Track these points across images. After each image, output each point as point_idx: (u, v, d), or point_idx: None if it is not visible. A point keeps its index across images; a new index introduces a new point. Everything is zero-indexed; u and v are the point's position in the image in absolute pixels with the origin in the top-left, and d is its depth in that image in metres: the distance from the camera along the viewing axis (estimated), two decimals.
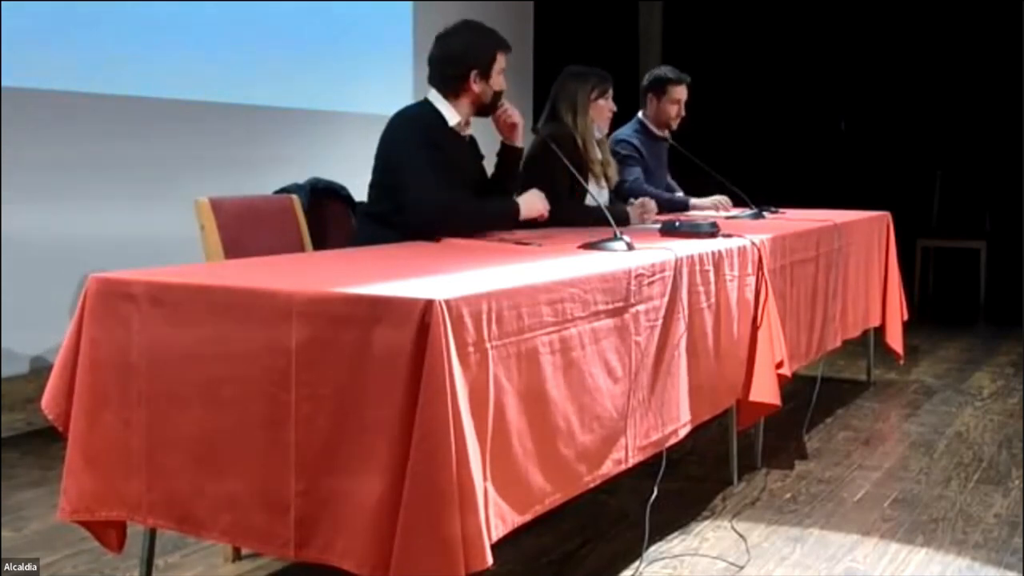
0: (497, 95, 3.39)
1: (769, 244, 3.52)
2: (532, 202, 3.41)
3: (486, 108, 3.42)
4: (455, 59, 3.32)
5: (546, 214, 3.43)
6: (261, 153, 5.51)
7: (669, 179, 5.03)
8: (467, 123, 3.41)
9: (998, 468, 3.79)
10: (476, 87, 3.33)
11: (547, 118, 4.08)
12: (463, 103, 3.36)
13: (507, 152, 3.55)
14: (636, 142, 4.76)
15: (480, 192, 3.44)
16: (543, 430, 2.32)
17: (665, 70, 4.87)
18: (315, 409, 2.08)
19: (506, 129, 3.52)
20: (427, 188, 3.15)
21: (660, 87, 4.82)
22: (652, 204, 4.16)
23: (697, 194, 4.90)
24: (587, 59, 4.29)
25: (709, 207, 4.75)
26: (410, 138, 3.24)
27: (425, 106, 3.36)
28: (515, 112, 3.50)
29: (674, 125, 4.85)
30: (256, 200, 3.34)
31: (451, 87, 3.33)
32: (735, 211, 4.71)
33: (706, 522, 3.23)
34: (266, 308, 2.14)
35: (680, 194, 4.92)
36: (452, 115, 3.34)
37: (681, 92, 4.81)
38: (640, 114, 4.87)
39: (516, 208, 3.38)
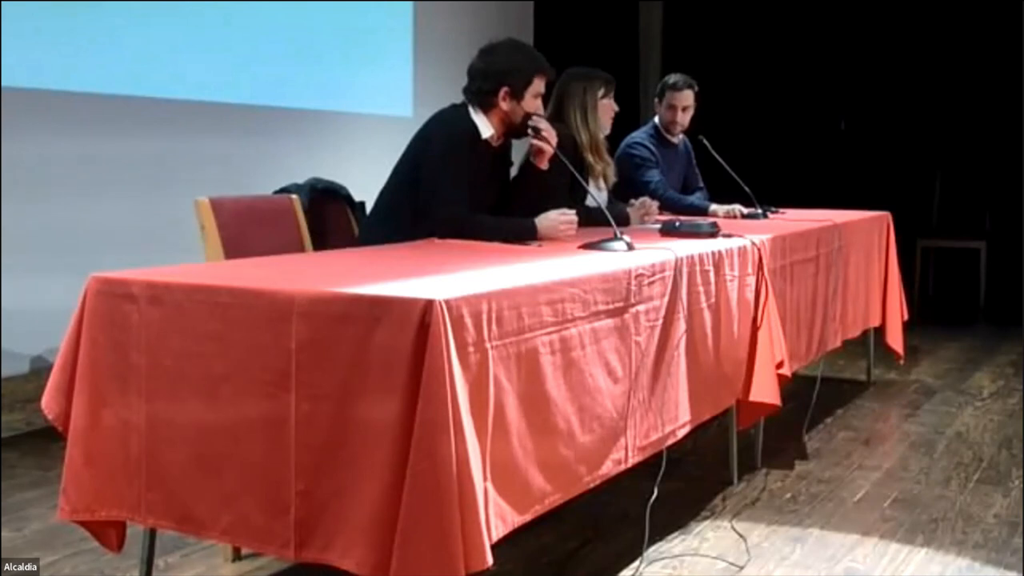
0: (528, 117, 3.34)
1: (769, 244, 3.52)
2: (553, 227, 3.25)
3: (516, 129, 3.38)
4: (489, 74, 3.30)
5: (573, 231, 3.28)
6: (261, 153, 5.51)
7: (700, 180, 5.03)
8: (499, 137, 3.39)
9: (998, 468, 3.79)
10: (505, 105, 3.30)
11: (549, 119, 4.06)
12: (493, 118, 3.34)
13: (530, 169, 3.49)
14: (649, 145, 4.76)
15: (497, 202, 3.41)
16: (543, 430, 2.32)
17: (670, 77, 4.86)
18: (315, 409, 2.08)
19: (535, 150, 3.45)
20: (456, 203, 3.17)
21: (660, 93, 4.84)
22: (653, 204, 4.16)
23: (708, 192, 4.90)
24: (587, 59, 4.28)
25: (728, 214, 4.63)
26: (447, 147, 3.23)
27: (463, 114, 3.34)
28: (550, 138, 3.39)
29: (674, 130, 4.84)
30: (256, 200, 3.34)
31: (481, 101, 3.32)
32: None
33: (706, 522, 3.23)
34: (266, 308, 2.14)
35: (699, 196, 4.83)
36: (485, 128, 3.32)
37: (679, 99, 4.78)
38: (655, 118, 4.90)
39: (534, 231, 3.24)
